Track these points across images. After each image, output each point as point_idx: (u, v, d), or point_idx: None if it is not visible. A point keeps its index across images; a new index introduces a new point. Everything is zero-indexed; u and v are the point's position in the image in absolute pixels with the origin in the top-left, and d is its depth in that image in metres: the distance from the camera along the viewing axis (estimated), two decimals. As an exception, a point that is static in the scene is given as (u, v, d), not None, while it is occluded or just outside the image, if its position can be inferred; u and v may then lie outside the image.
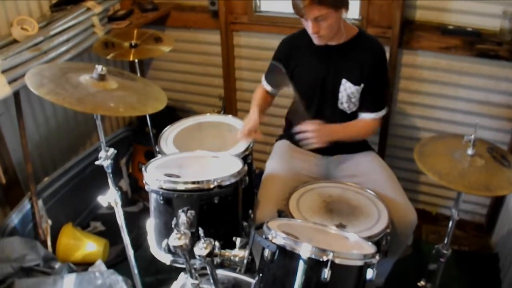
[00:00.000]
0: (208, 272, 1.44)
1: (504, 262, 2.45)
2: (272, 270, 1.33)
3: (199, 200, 1.54)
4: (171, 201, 1.56)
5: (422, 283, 1.88)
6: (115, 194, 1.80)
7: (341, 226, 1.69)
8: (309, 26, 1.83)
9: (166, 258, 1.64)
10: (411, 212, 1.84)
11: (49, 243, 2.39)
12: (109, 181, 1.79)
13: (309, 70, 2.04)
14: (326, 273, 1.23)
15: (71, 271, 2.18)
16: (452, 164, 1.55)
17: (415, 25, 2.49)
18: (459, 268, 2.49)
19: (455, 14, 2.39)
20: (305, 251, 1.26)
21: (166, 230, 1.60)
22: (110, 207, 1.84)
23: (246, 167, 1.69)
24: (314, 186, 1.96)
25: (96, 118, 1.64)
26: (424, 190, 2.90)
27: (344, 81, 1.97)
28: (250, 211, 1.87)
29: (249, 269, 1.46)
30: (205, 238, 1.38)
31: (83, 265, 2.36)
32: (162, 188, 1.55)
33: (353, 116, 2.05)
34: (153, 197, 1.62)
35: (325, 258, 1.24)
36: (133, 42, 2.38)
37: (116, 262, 2.50)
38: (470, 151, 1.57)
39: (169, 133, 2.14)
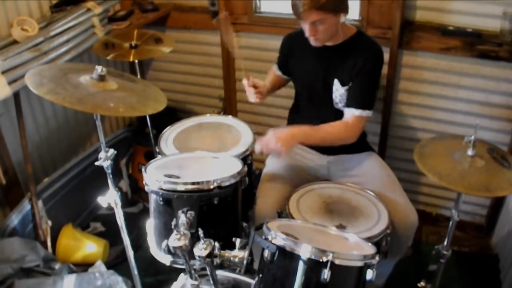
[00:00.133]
0: (208, 272, 1.44)
1: (504, 263, 2.45)
2: (272, 271, 1.33)
3: (199, 201, 1.54)
4: (171, 202, 1.56)
5: (422, 284, 1.88)
6: (115, 194, 1.81)
7: (341, 226, 1.69)
8: (306, 29, 1.84)
9: (166, 259, 1.64)
10: (412, 213, 1.84)
11: (49, 243, 2.39)
12: (109, 181, 1.79)
13: (307, 69, 2.05)
14: (326, 273, 1.23)
15: (71, 271, 2.18)
16: (452, 165, 1.54)
17: (415, 26, 2.49)
18: (459, 269, 2.49)
19: (455, 15, 2.39)
20: (305, 251, 1.26)
21: (166, 231, 1.60)
22: (110, 208, 1.84)
23: (246, 168, 1.69)
24: (314, 187, 1.97)
25: (96, 118, 1.64)
26: (424, 191, 2.90)
27: (335, 81, 1.97)
28: (250, 211, 1.87)
29: (249, 270, 1.46)
30: (204, 239, 1.38)
31: (83, 266, 2.36)
32: (162, 189, 1.55)
33: None
34: (153, 198, 1.62)
35: (325, 259, 1.23)
36: (133, 43, 2.38)
37: (116, 262, 2.50)
38: (470, 152, 1.57)
39: (169, 134, 2.14)
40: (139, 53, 2.36)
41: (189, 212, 1.48)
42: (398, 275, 2.06)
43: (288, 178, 1.99)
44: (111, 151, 1.75)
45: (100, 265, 2.30)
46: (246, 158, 1.95)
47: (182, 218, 1.46)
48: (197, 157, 1.86)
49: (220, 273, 1.71)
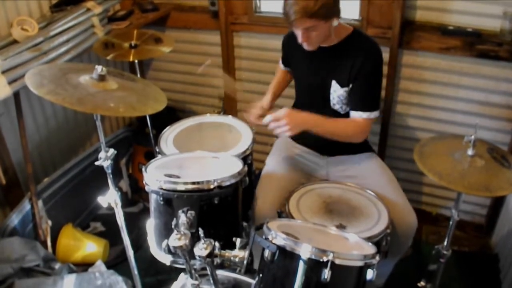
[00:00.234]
0: (208, 272, 1.44)
1: (504, 262, 2.45)
2: (272, 271, 1.33)
3: (199, 201, 1.54)
4: (171, 202, 1.56)
5: (422, 283, 1.88)
6: (115, 194, 1.80)
7: (341, 226, 1.70)
8: (298, 35, 1.83)
9: (166, 259, 1.64)
10: (411, 215, 1.84)
11: (49, 243, 2.39)
12: (109, 181, 1.79)
13: (304, 71, 2.05)
14: (326, 273, 1.23)
15: (71, 271, 2.18)
16: (452, 165, 1.55)
17: (415, 26, 2.49)
18: (459, 268, 2.49)
19: (455, 14, 2.39)
20: (305, 251, 1.26)
21: (166, 230, 1.60)
22: (110, 208, 1.84)
23: (246, 168, 1.69)
24: (314, 187, 1.97)
25: (96, 118, 1.64)
26: (424, 191, 2.90)
27: (333, 82, 1.96)
28: (250, 211, 1.87)
29: (249, 270, 1.46)
30: (205, 239, 1.38)
31: (83, 266, 2.36)
32: (162, 189, 1.55)
33: (348, 116, 2.03)
34: (153, 197, 1.62)
35: (325, 259, 1.24)
36: (133, 43, 2.38)
37: (116, 262, 2.50)
38: (470, 152, 1.57)
39: (169, 134, 2.14)
40: (139, 53, 2.35)
41: (189, 211, 1.48)
42: (398, 275, 2.06)
43: (287, 178, 1.99)
44: (111, 151, 1.75)
45: (100, 265, 2.30)
46: (246, 158, 1.96)
47: (183, 217, 1.46)
48: (197, 157, 1.86)
49: (220, 273, 1.71)
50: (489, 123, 2.49)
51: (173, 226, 1.40)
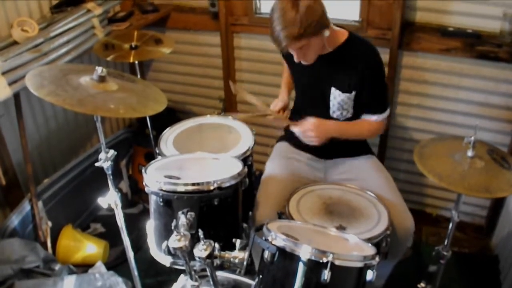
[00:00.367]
0: (208, 274, 1.44)
1: (504, 264, 2.45)
2: (272, 272, 1.33)
3: (199, 202, 1.54)
4: (171, 203, 1.56)
5: (422, 284, 1.88)
6: (115, 195, 1.81)
7: (341, 227, 1.69)
8: (294, 55, 1.83)
9: (166, 260, 1.64)
10: (408, 218, 1.83)
11: (49, 244, 2.39)
12: (109, 182, 1.79)
13: (302, 79, 2.05)
14: (326, 274, 1.23)
15: (71, 272, 2.18)
16: (452, 166, 1.55)
17: (415, 27, 2.49)
18: (459, 270, 2.49)
19: (455, 15, 2.39)
20: (305, 252, 1.26)
21: (166, 231, 1.59)
22: (110, 209, 1.84)
23: (246, 169, 1.69)
24: (314, 188, 1.96)
25: (96, 119, 1.64)
26: (424, 192, 2.90)
27: (333, 89, 1.95)
28: (250, 212, 1.87)
29: (249, 271, 1.46)
30: (205, 240, 1.38)
31: (83, 267, 2.36)
32: (162, 190, 1.55)
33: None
34: (153, 199, 1.62)
35: (325, 260, 1.23)
36: (133, 44, 2.38)
37: (116, 263, 2.50)
38: (470, 153, 1.57)
39: (169, 135, 2.14)
40: (139, 54, 2.36)
41: (189, 213, 1.48)
42: (398, 276, 2.05)
43: (287, 182, 1.99)
44: (111, 152, 1.75)
45: (100, 266, 2.30)
46: (247, 159, 1.96)
47: (182, 219, 1.46)
48: (197, 158, 1.86)
49: (220, 274, 1.71)
50: (489, 124, 2.49)
51: (173, 227, 1.40)
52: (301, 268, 1.27)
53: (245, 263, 1.44)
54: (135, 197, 3.09)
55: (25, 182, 2.40)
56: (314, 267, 1.25)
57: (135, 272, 2.04)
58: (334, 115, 2.01)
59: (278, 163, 2.10)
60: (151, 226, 1.68)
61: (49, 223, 2.42)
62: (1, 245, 2.08)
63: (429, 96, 2.59)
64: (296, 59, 1.84)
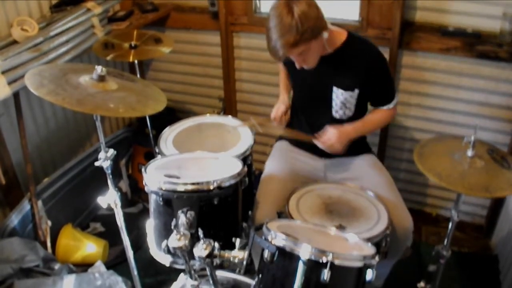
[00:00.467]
0: (208, 273, 1.44)
1: (504, 264, 2.45)
2: (272, 271, 1.32)
3: (199, 201, 1.54)
4: (171, 202, 1.56)
5: (421, 284, 1.88)
6: (115, 195, 1.80)
7: (340, 227, 1.69)
8: (295, 62, 1.82)
9: (165, 259, 1.64)
10: (407, 218, 1.83)
11: (48, 244, 2.39)
12: (109, 182, 1.79)
13: (302, 80, 2.04)
14: (326, 274, 1.23)
15: (70, 272, 2.18)
16: (452, 166, 1.54)
17: (415, 26, 2.49)
18: (459, 269, 2.49)
19: (455, 15, 2.39)
20: (304, 252, 1.26)
21: (165, 231, 1.59)
22: (110, 208, 1.84)
23: (246, 168, 1.69)
24: (314, 187, 1.96)
25: (95, 119, 1.64)
26: (424, 192, 2.90)
27: (335, 88, 1.94)
28: (250, 212, 1.87)
29: (249, 270, 1.46)
30: (204, 239, 1.38)
31: (83, 266, 2.36)
32: (161, 189, 1.55)
33: (352, 120, 2.02)
34: (152, 198, 1.62)
35: (324, 259, 1.23)
36: (133, 43, 2.38)
37: (116, 263, 2.50)
38: (470, 153, 1.56)
39: (169, 134, 2.14)
40: (139, 53, 2.36)
41: (189, 212, 1.48)
42: (397, 276, 2.06)
43: (287, 182, 1.99)
44: (111, 151, 1.75)
45: (99, 265, 2.30)
46: (246, 158, 1.96)
47: (182, 218, 1.46)
48: (197, 157, 1.86)
49: (220, 273, 1.71)
50: (489, 124, 2.49)
51: (172, 227, 1.41)
52: (300, 268, 1.27)
53: (244, 262, 1.44)
54: (135, 196, 3.09)
55: (24, 181, 2.40)
56: (314, 266, 1.25)
57: (135, 272, 2.04)
58: (337, 115, 2.01)
59: (278, 162, 2.10)
60: (150, 225, 1.68)
61: (49, 223, 2.42)
62: (1, 245, 2.07)
63: (429, 95, 2.59)
64: (297, 66, 1.83)
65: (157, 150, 2.01)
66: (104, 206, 1.81)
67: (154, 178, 1.58)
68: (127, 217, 1.91)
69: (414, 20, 2.50)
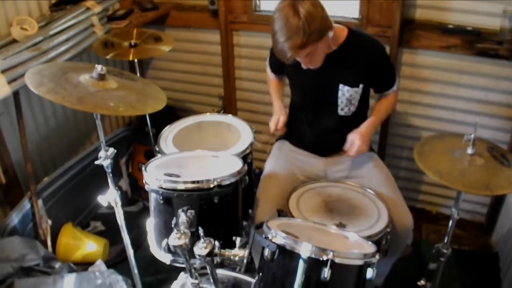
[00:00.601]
0: (208, 271, 1.44)
1: (504, 261, 2.45)
2: (272, 270, 1.33)
3: (199, 200, 1.54)
4: (171, 201, 1.56)
5: (422, 282, 1.88)
6: (115, 193, 1.80)
7: (341, 225, 1.69)
8: (301, 63, 1.82)
9: (166, 258, 1.64)
10: (407, 215, 1.84)
11: (49, 243, 2.39)
12: (109, 180, 1.79)
13: (305, 80, 2.02)
14: (326, 272, 1.23)
15: (71, 270, 2.18)
16: (452, 164, 1.54)
17: (415, 24, 2.48)
18: (459, 267, 2.49)
19: (455, 13, 2.39)
20: (305, 250, 1.26)
21: (166, 229, 1.60)
22: (110, 207, 1.84)
23: (246, 167, 1.69)
24: (314, 186, 1.97)
25: (95, 117, 1.64)
26: (424, 189, 2.90)
27: (341, 86, 1.94)
28: (250, 210, 1.87)
29: (249, 269, 1.46)
30: (205, 238, 1.38)
31: (83, 265, 2.36)
32: (162, 188, 1.55)
33: (354, 118, 2.03)
34: (153, 196, 1.62)
35: (325, 258, 1.23)
36: (132, 42, 2.38)
37: (116, 261, 2.50)
38: (470, 150, 1.56)
39: (169, 133, 2.14)
40: (139, 52, 2.35)
41: (189, 211, 1.48)
42: (398, 274, 2.06)
43: (287, 181, 1.99)
44: (111, 150, 1.75)
45: (100, 264, 2.30)
46: (246, 156, 1.95)
47: (182, 217, 1.46)
48: (197, 156, 1.86)
49: (220, 271, 1.71)
50: (489, 121, 2.49)
51: (173, 225, 1.40)
52: (301, 266, 1.27)
53: (245, 261, 1.44)
54: (135, 195, 3.09)
55: (25, 180, 2.40)
56: (314, 265, 1.25)
57: (135, 270, 2.04)
58: (342, 112, 2.01)
59: (278, 162, 2.10)
60: (151, 224, 1.68)
61: (49, 221, 2.42)
62: (1, 244, 2.08)
63: (429, 93, 2.59)
64: (304, 66, 1.83)
65: (157, 149, 2.01)
66: (104, 204, 1.81)
67: (154, 176, 1.58)
68: (127, 215, 1.91)
69: (414, 18, 2.50)
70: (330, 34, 1.75)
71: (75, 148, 2.94)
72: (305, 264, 1.26)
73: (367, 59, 1.90)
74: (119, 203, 1.83)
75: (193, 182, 1.54)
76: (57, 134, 2.76)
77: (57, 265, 2.17)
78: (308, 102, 2.07)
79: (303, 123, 2.11)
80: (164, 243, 1.57)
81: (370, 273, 1.32)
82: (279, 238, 1.30)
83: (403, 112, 2.71)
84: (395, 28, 2.41)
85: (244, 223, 1.75)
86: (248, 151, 1.97)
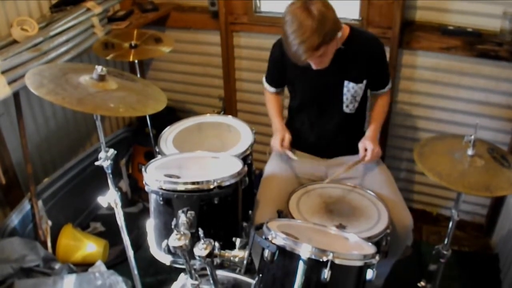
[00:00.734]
0: (208, 272, 1.44)
1: (504, 262, 2.45)
2: (272, 271, 1.33)
3: (199, 201, 1.54)
4: (171, 202, 1.56)
5: (422, 283, 1.88)
6: (115, 194, 1.80)
7: (341, 226, 1.69)
8: (312, 64, 1.81)
9: (166, 259, 1.64)
10: (407, 216, 1.84)
11: (49, 243, 2.39)
12: (109, 181, 1.79)
13: (310, 80, 2.02)
14: (326, 273, 1.23)
15: (71, 271, 2.18)
16: (452, 165, 1.54)
17: (415, 26, 2.49)
18: (459, 268, 2.49)
19: (455, 14, 2.39)
20: (305, 251, 1.26)
21: (166, 230, 1.60)
22: (110, 208, 1.84)
23: (246, 168, 1.69)
24: (314, 187, 1.96)
25: (96, 118, 1.64)
26: (424, 191, 2.90)
27: (346, 82, 1.96)
28: (250, 211, 1.87)
29: (249, 270, 1.46)
30: (205, 239, 1.38)
31: (83, 266, 2.36)
32: (162, 189, 1.55)
33: (357, 115, 2.06)
34: (153, 197, 1.62)
35: (325, 259, 1.23)
36: (133, 43, 2.38)
37: (116, 262, 2.50)
38: (470, 152, 1.56)
39: (169, 134, 2.14)
40: (139, 53, 2.36)
41: (189, 212, 1.48)
42: (398, 275, 2.06)
43: (288, 183, 1.99)
44: (111, 151, 1.75)
45: (100, 265, 2.30)
46: (246, 158, 1.96)
47: (182, 218, 1.46)
48: (197, 157, 1.86)
49: (220, 273, 1.71)
50: (489, 123, 2.49)
51: (173, 226, 1.40)
52: (301, 267, 1.27)
53: (245, 262, 1.44)
54: (135, 196, 3.09)
55: (25, 181, 2.40)
56: (314, 266, 1.25)
57: (135, 271, 2.03)
58: (347, 109, 2.02)
59: (278, 164, 2.09)
60: (151, 225, 1.68)
61: (49, 222, 2.42)
62: (1, 244, 2.08)
63: (429, 94, 2.59)
64: (314, 67, 1.83)
65: (157, 150, 2.01)
66: (104, 205, 1.81)
67: (154, 177, 1.58)
68: (127, 216, 1.91)
69: (414, 19, 2.50)
70: (339, 34, 1.77)
71: (75, 149, 2.94)
72: (305, 265, 1.26)
73: (369, 55, 1.94)
74: (119, 204, 1.83)
75: (193, 183, 1.54)
76: (57, 135, 2.76)
77: (57, 266, 2.17)
78: (313, 103, 2.07)
79: (304, 125, 2.11)
80: (164, 244, 1.57)
81: (370, 274, 1.32)
82: (279, 239, 1.30)
83: (403, 113, 2.71)
84: (395, 30, 2.41)
85: (244, 224, 1.75)
86: (248, 152, 1.97)
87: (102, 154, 1.73)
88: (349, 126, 2.09)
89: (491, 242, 2.70)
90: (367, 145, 1.93)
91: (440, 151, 1.63)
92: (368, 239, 1.58)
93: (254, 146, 2.03)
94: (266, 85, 2.22)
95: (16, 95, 2.14)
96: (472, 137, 1.55)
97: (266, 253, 1.32)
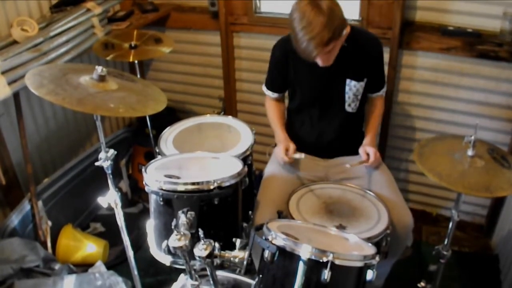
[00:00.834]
0: (208, 273, 1.44)
1: (504, 263, 2.45)
2: (272, 271, 1.32)
3: (199, 201, 1.54)
4: (171, 202, 1.56)
5: (422, 284, 1.88)
6: (115, 195, 1.80)
7: (341, 227, 1.69)
8: (319, 61, 1.81)
9: (166, 259, 1.64)
10: (407, 215, 1.84)
11: (49, 244, 2.39)
12: (109, 182, 1.78)
13: (312, 80, 2.02)
14: (326, 274, 1.23)
15: (71, 272, 2.18)
16: (452, 165, 1.54)
17: (415, 26, 2.49)
18: (459, 269, 2.49)
19: (455, 15, 2.39)
20: (305, 252, 1.26)
21: (166, 231, 1.60)
22: (110, 208, 1.83)
23: (246, 168, 1.69)
24: (314, 187, 1.96)
25: (96, 119, 1.64)
26: (424, 191, 2.90)
27: (348, 81, 1.97)
28: (250, 212, 1.86)
29: (249, 270, 1.46)
30: (205, 239, 1.38)
31: (83, 266, 2.36)
32: (162, 189, 1.55)
33: (357, 115, 2.07)
34: (153, 198, 1.62)
35: (325, 259, 1.23)
36: (133, 43, 2.38)
37: (116, 263, 2.50)
38: (470, 152, 1.56)
39: (169, 134, 2.14)
40: (139, 53, 2.36)
41: (189, 212, 1.48)
42: (398, 275, 2.06)
43: (288, 183, 1.99)
44: (111, 152, 1.75)
45: (100, 266, 2.30)
46: (246, 158, 1.96)
47: (182, 218, 1.46)
48: (197, 157, 1.86)
49: (220, 273, 1.71)
50: (489, 123, 2.49)
51: (173, 227, 1.40)
52: (301, 268, 1.27)
53: (245, 262, 1.44)
54: (135, 196, 3.09)
55: (25, 181, 2.40)
56: (314, 266, 1.25)
57: (135, 272, 2.03)
58: (349, 108, 2.03)
59: (278, 165, 2.09)
60: (151, 225, 1.68)
61: (49, 223, 2.42)
62: (1, 245, 2.08)
63: (429, 95, 2.59)
64: (321, 64, 1.83)
65: (157, 150, 2.01)
66: (104, 206, 1.81)
67: (154, 178, 1.58)
68: (127, 217, 1.91)
69: (414, 20, 2.50)
70: (344, 31, 1.77)
71: (75, 149, 2.94)
72: (305, 265, 1.26)
73: (369, 54, 1.96)
74: (119, 205, 1.83)
75: (193, 183, 1.54)
76: (57, 135, 2.76)
77: (57, 266, 2.17)
78: (314, 103, 2.07)
79: (304, 125, 2.11)
80: (164, 244, 1.57)
81: (370, 274, 1.32)
82: (279, 240, 1.30)
83: (403, 114, 2.71)
84: (395, 30, 2.41)
85: (244, 224, 1.75)
86: (248, 152, 1.97)
87: (102, 155, 1.73)
88: (349, 126, 2.10)
89: (491, 243, 2.70)
90: (368, 149, 1.95)
91: (440, 152, 1.63)
92: (368, 239, 1.58)
93: (254, 146, 2.03)
94: (266, 91, 2.20)
95: (16, 96, 2.14)
96: (472, 137, 1.55)
97: (266, 253, 1.32)
